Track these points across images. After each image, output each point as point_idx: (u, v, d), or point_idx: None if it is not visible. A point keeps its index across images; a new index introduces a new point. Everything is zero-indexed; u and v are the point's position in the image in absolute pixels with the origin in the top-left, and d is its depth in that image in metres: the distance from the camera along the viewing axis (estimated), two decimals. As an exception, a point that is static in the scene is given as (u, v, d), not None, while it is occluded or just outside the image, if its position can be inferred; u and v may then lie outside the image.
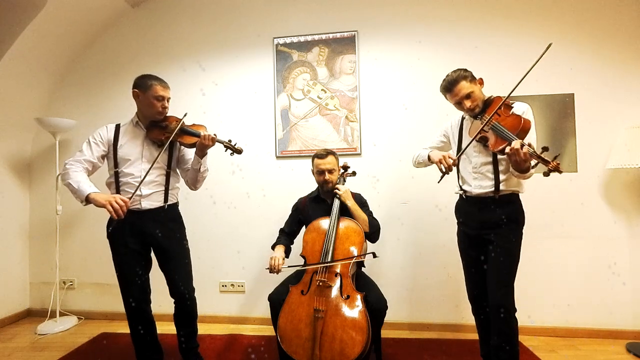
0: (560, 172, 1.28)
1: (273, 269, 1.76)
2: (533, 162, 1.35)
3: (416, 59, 2.49)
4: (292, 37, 2.59)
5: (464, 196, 1.71)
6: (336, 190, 1.91)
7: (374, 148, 2.52)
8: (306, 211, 2.02)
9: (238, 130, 2.59)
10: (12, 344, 2.31)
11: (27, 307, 2.81)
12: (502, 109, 1.49)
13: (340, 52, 2.55)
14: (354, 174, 2.13)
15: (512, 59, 2.37)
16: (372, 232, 1.89)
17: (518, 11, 2.39)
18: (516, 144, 1.32)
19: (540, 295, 2.30)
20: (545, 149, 1.30)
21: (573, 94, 2.33)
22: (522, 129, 1.41)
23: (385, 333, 2.09)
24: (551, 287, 2.31)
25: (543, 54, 1.38)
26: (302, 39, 2.59)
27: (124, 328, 2.49)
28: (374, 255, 1.68)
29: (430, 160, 1.70)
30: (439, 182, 1.57)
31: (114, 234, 1.70)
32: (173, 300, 1.81)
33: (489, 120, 1.47)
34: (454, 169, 1.62)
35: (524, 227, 1.61)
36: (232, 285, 2.62)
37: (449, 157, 1.54)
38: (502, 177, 1.53)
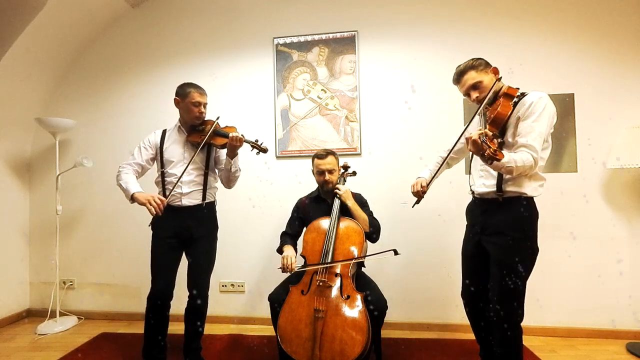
0: (496, 159, 1.17)
1: (286, 269, 1.73)
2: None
3: (416, 59, 2.49)
4: (292, 37, 2.59)
5: (472, 197, 1.65)
6: (336, 190, 1.91)
7: (374, 148, 2.52)
8: (306, 211, 2.02)
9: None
10: (12, 344, 2.31)
11: (27, 307, 2.81)
12: (502, 98, 1.38)
13: (340, 52, 2.55)
14: (354, 173, 2.13)
15: (513, 59, 2.37)
16: (373, 232, 1.89)
17: (518, 11, 2.39)
18: (474, 134, 1.24)
19: (540, 295, 2.29)
20: (495, 136, 1.22)
21: (573, 94, 2.33)
22: (493, 119, 1.33)
23: (385, 333, 2.09)
24: (551, 287, 2.31)
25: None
26: (302, 39, 2.59)
27: (124, 328, 2.50)
28: (395, 253, 1.62)
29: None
30: (412, 206, 1.62)
31: (157, 227, 1.82)
32: (187, 294, 1.87)
33: (479, 109, 1.41)
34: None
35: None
36: (232, 285, 2.62)
37: (419, 184, 1.58)
38: (506, 176, 1.42)
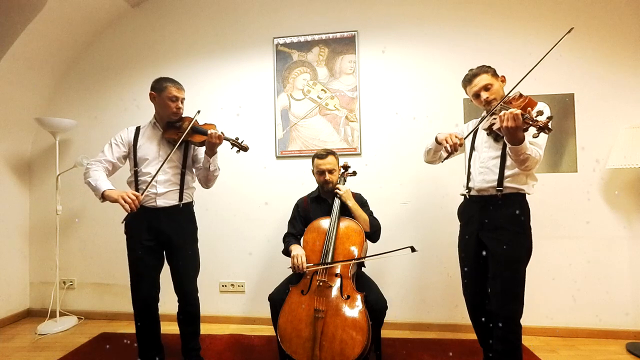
0: (549, 130, 1.22)
1: (297, 268, 1.71)
2: (531, 131, 1.28)
3: (416, 59, 2.49)
4: (292, 37, 2.59)
5: (467, 196, 1.68)
6: (337, 191, 1.90)
7: (374, 148, 2.52)
8: (307, 211, 2.01)
9: (238, 130, 2.58)
10: (12, 344, 2.31)
11: (27, 307, 2.81)
12: (516, 98, 1.45)
13: (340, 52, 2.55)
14: (354, 173, 2.13)
15: (513, 59, 2.37)
16: (373, 232, 1.89)
17: (518, 11, 2.39)
18: (514, 110, 1.29)
19: (540, 295, 2.30)
20: (540, 112, 1.27)
21: (573, 94, 2.33)
22: (524, 106, 1.37)
23: (385, 333, 2.09)
24: (551, 287, 2.31)
25: (563, 37, 1.42)
26: (302, 39, 2.59)
27: (124, 328, 2.50)
28: (413, 249, 1.60)
29: (437, 141, 1.66)
30: (442, 161, 1.62)
31: (131, 230, 1.75)
32: (177, 299, 1.83)
33: (500, 103, 1.46)
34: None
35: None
36: (232, 285, 2.62)
37: (455, 136, 1.50)
38: (507, 172, 1.50)
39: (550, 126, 1.21)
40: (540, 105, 1.46)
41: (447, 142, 1.50)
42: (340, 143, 2.53)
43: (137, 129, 1.82)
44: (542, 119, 1.23)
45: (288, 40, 2.60)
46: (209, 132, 1.70)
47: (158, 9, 2.76)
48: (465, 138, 1.54)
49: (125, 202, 1.53)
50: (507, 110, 1.35)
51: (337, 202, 1.88)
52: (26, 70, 2.56)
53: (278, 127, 2.59)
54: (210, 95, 2.67)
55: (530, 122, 1.24)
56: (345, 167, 2.09)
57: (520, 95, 1.45)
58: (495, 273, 1.51)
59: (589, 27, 2.33)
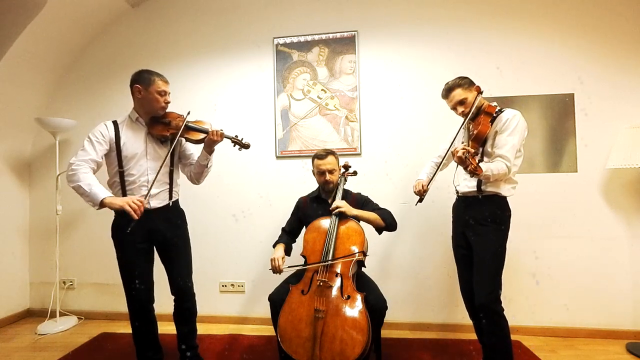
0: (476, 174, 1.42)
1: (275, 270, 1.76)
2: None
3: (416, 59, 2.49)
4: (292, 37, 2.59)
5: (456, 196, 1.82)
6: (338, 209, 1.81)
7: (374, 148, 2.52)
8: (306, 211, 2.01)
9: (238, 130, 2.57)
10: (12, 344, 2.31)
11: (27, 307, 2.81)
12: (482, 115, 1.59)
13: (340, 52, 2.55)
14: (354, 173, 2.13)
15: (513, 59, 2.38)
16: (389, 223, 1.89)
17: (519, 11, 2.39)
18: (459, 151, 1.44)
19: (540, 295, 2.30)
20: (475, 153, 1.48)
21: (573, 94, 2.33)
22: (475, 136, 1.57)
23: (385, 333, 2.09)
24: (551, 287, 2.31)
25: (462, 125, 1.64)
26: (302, 39, 2.59)
27: (124, 328, 2.50)
28: (364, 254, 1.72)
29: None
30: (415, 205, 1.75)
31: (122, 234, 1.68)
32: (173, 297, 1.81)
33: (463, 124, 1.64)
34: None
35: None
36: (232, 285, 2.62)
37: (420, 184, 1.75)
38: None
39: (477, 172, 1.41)
40: (507, 114, 1.59)
41: (415, 189, 1.75)
42: (340, 143, 2.53)
43: (116, 125, 1.67)
44: (474, 162, 1.41)
45: (288, 40, 2.60)
46: (210, 129, 1.69)
47: (158, 9, 2.76)
48: (428, 184, 1.72)
49: (132, 208, 1.45)
50: (477, 123, 1.55)
51: (334, 219, 1.82)
52: (26, 70, 2.56)
53: (278, 127, 2.59)
54: (210, 95, 2.67)
55: (469, 163, 1.41)
56: (346, 167, 2.09)
57: (486, 114, 1.58)
58: (476, 265, 1.64)
59: (588, 27, 2.33)
